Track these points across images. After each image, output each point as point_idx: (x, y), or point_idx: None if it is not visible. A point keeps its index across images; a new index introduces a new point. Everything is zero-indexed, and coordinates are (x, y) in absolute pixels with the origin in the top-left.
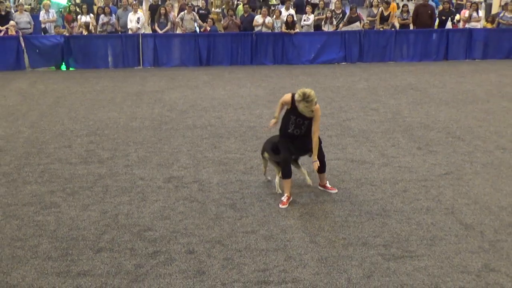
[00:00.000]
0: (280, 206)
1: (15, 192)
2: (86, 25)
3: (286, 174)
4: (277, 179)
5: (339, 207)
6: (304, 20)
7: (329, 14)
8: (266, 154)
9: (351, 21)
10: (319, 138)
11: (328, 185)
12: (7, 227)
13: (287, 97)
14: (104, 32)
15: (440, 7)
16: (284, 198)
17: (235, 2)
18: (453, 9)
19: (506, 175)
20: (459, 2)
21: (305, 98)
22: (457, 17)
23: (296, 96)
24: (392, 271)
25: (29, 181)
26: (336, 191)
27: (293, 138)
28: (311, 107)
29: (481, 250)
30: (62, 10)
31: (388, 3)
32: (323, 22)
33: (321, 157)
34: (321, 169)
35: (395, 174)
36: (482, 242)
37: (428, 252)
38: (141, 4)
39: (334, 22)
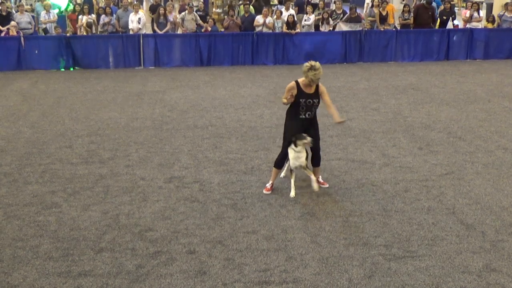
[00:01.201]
0: (264, 191)
1: (16, 192)
2: (88, 25)
3: (278, 165)
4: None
5: (340, 207)
6: (305, 20)
7: (325, 15)
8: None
9: (351, 21)
10: (318, 142)
11: (320, 179)
12: (8, 227)
13: (291, 84)
14: (105, 32)
15: (441, 7)
16: (268, 185)
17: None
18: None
19: (507, 175)
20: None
21: (313, 67)
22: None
23: (304, 68)
24: (393, 271)
25: (30, 181)
26: (327, 185)
27: (305, 124)
28: (319, 75)
29: (482, 250)
30: (64, 11)
31: (385, 3)
32: (320, 23)
33: (316, 151)
34: (316, 162)
35: (396, 174)
36: (483, 242)
37: (429, 252)
38: (142, 4)
39: (331, 22)
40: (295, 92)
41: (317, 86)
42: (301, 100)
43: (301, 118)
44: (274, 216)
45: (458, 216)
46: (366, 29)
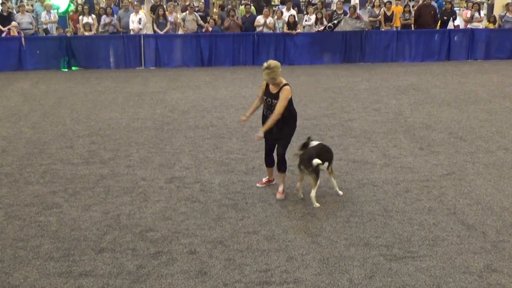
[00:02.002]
0: (257, 184)
1: (17, 192)
2: (87, 26)
3: (266, 163)
4: (313, 193)
5: (341, 208)
6: (306, 21)
7: (319, 15)
8: (302, 166)
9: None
10: (282, 145)
11: (280, 189)
12: (9, 227)
13: (264, 82)
14: (106, 32)
15: (443, 8)
16: (264, 179)
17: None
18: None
19: (508, 175)
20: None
21: (267, 66)
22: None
23: (263, 67)
24: (394, 271)
25: (31, 181)
26: (281, 198)
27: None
28: (271, 75)
29: (483, 251)
30: (65, 12)
31: (390, 3)
32: (313, 23)
33: (279, 155)
34: (279, 167)
35: (397, 175)
36: (484, 242)
37: (430, 252)
38: (143, 4)
39: (325, 23)
40: (263, 87)
41: (282, 87)
42: (264, 96)
43: (265, 115)
44: (275, 217)
45: (459, 217)
46: (368, 29)
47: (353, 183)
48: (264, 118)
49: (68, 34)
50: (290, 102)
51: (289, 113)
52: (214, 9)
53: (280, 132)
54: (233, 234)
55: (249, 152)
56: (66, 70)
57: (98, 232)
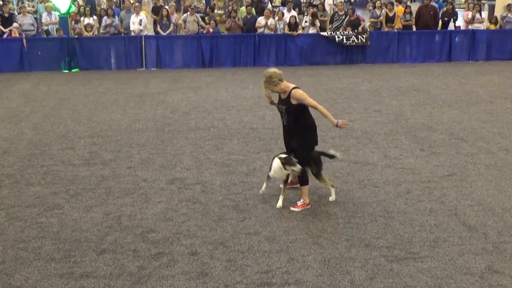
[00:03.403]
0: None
1: (18, 193)
2: (89, 27)
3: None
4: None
5: (342, 209)
6: (305, 22)
7: (312, 17)
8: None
9: (352, 24)
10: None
11: (298, 202)
12: (10, 228)
13: None
14: (107, 34)
15: (444, 9)
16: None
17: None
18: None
19: (509, 176)
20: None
21: (264, 80)
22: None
23: None
24: (395, 272)
25: (32, 182)
26: (297, 210)
27: (286, 131)
28: (269, 87)
29: (484, 252)
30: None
31: (392, 4)
32: (305, 24)
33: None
34: (299, 179)
35: (398, 176)
36: (486, 243)
37: (431, 253)
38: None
39: (318, 24)
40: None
41: (290, 92)
42: (278, 105)
43: (284, 125)
44: (276, 218)
45: (460, 218)
46: (368, 38)
47: (354, 184)
48: (284, 128)
49: (76, 36)
50: (306, 109)
51: (303, 122)
52: (215, 10)
53: (297, 143)
54: (234, 235)
55: (250, 153)
56: (67, 71)
57: (99, 233)
